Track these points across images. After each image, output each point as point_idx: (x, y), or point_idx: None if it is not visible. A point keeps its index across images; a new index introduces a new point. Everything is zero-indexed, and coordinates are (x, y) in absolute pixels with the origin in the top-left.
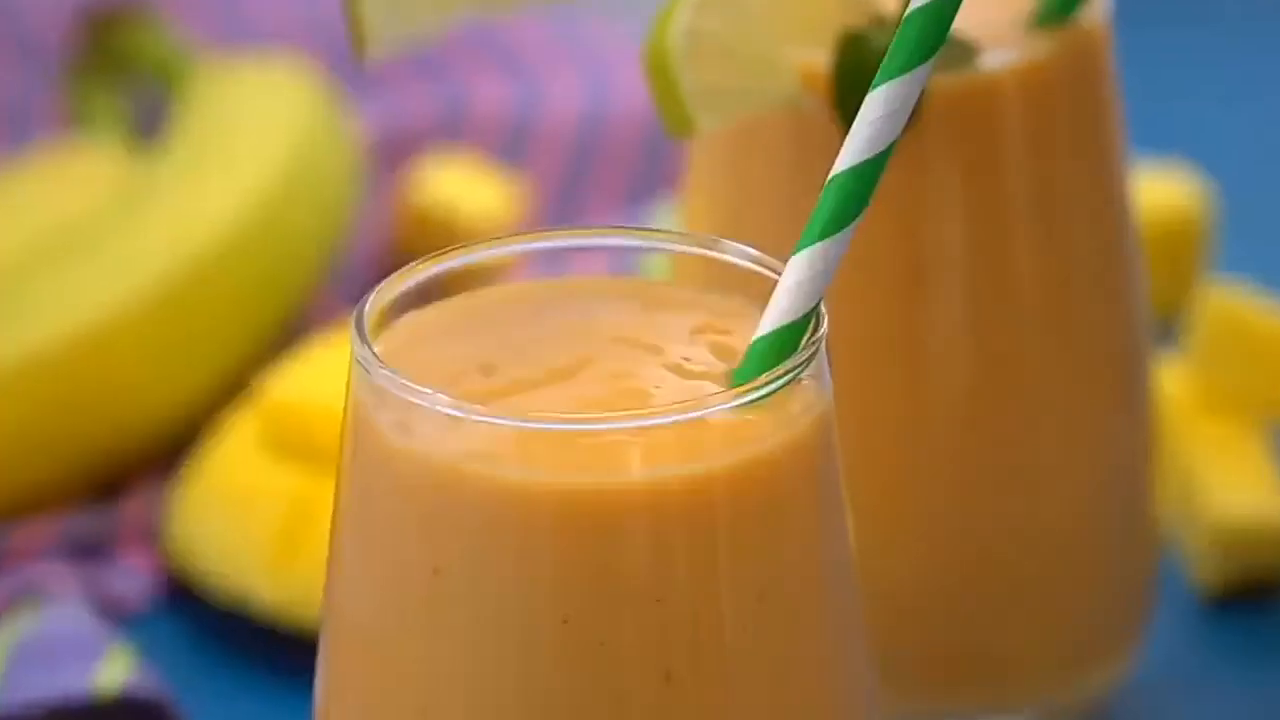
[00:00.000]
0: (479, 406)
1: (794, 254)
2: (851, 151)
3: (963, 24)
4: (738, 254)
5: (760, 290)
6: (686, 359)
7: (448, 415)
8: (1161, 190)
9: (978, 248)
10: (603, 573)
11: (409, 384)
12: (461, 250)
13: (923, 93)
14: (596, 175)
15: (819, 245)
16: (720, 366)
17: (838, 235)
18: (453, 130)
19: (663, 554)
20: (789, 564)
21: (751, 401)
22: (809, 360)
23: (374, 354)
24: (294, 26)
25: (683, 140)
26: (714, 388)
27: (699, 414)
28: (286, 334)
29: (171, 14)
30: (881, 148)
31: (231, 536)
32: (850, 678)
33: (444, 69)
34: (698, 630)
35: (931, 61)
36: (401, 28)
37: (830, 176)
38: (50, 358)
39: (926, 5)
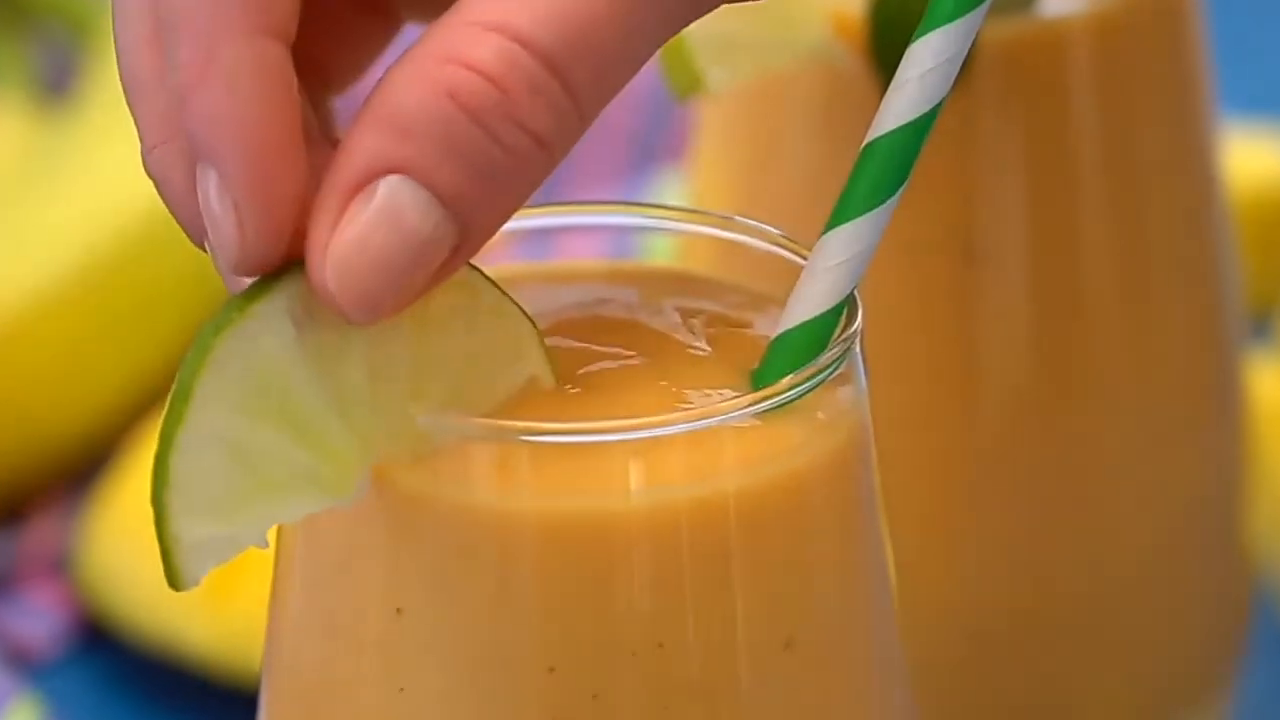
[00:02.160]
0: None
1: (824, 234)
2: (892, 113)
3: None
4: (756, 234)
5: (784, 276)
6: (696, 357)
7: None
8: (1255, 159)
9: (1039, 226)
10: (595, 613)
11: None
12: None
13: (975, 43)
14: (589, 142)
15: (853, 223)
16: (737, 367)
17: (875, 211)
18: None
19: (667, 591)
20: (819, 603)
21: (774, 408)
22: (841, 359)
23: None
24: None
25: (691, 101)
26: (729, 392)
27: (711, 423)
28: None
29: None
30: (927, 108)
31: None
32: None
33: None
34: (709, 682)
35: (986, 6)
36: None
37: (866, 142)
38: None
39: None
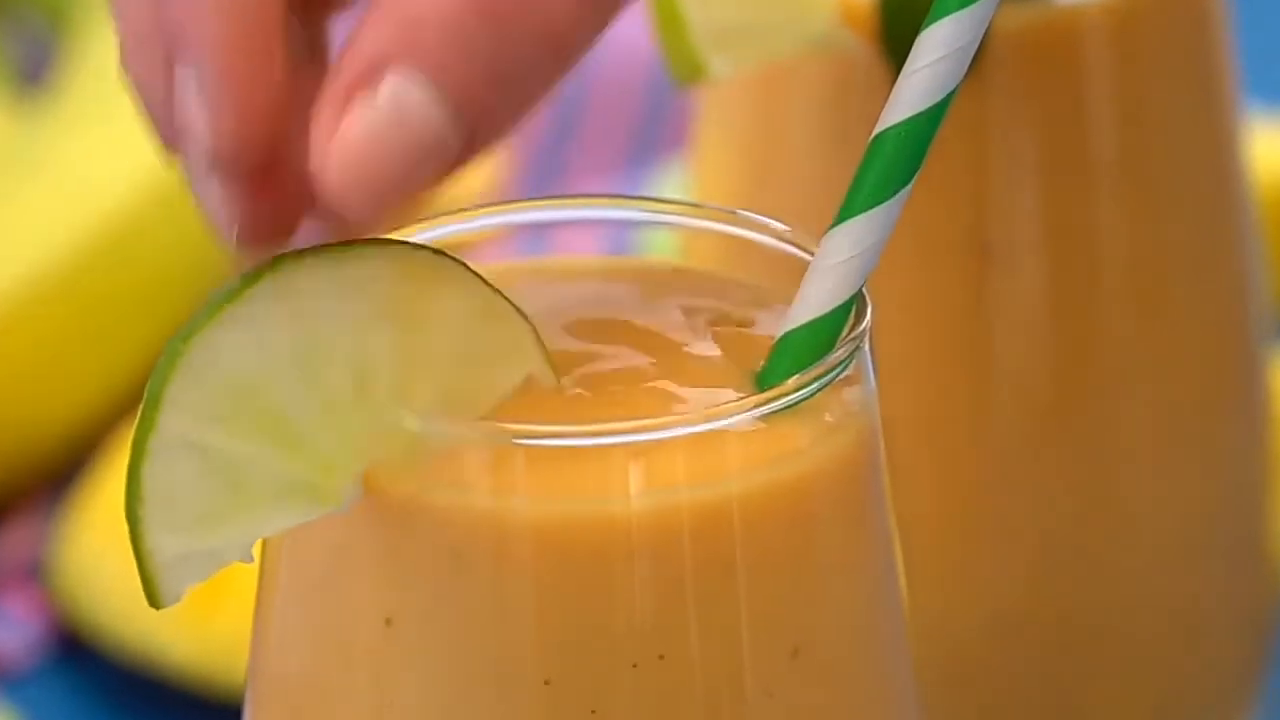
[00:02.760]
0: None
1: (831, 228)
2: (902, 102)
3: None
4: (761, 229)
5: (789, 273)
6: (699, 357)
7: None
8: None
9: (1054, 220)
10: (594, 623)
11: None
12: (425, 223)
13: (988, 30)
14: (587, 132)
15: (862, 217)
16: (741, 366)
17: (885, 205)
18: None
19: (669, 600)
20: (827, 611)
21: (779, 410)
22: (849, 359)
23: None
24: None
25: (693, 89)
26: (733, 393)
27: (715, 425)
28: None
29: None
30: (938, 97)
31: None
32: None
33: None
34: (712, 695)
35: None
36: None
37: (876, 133)
38: None
39: None
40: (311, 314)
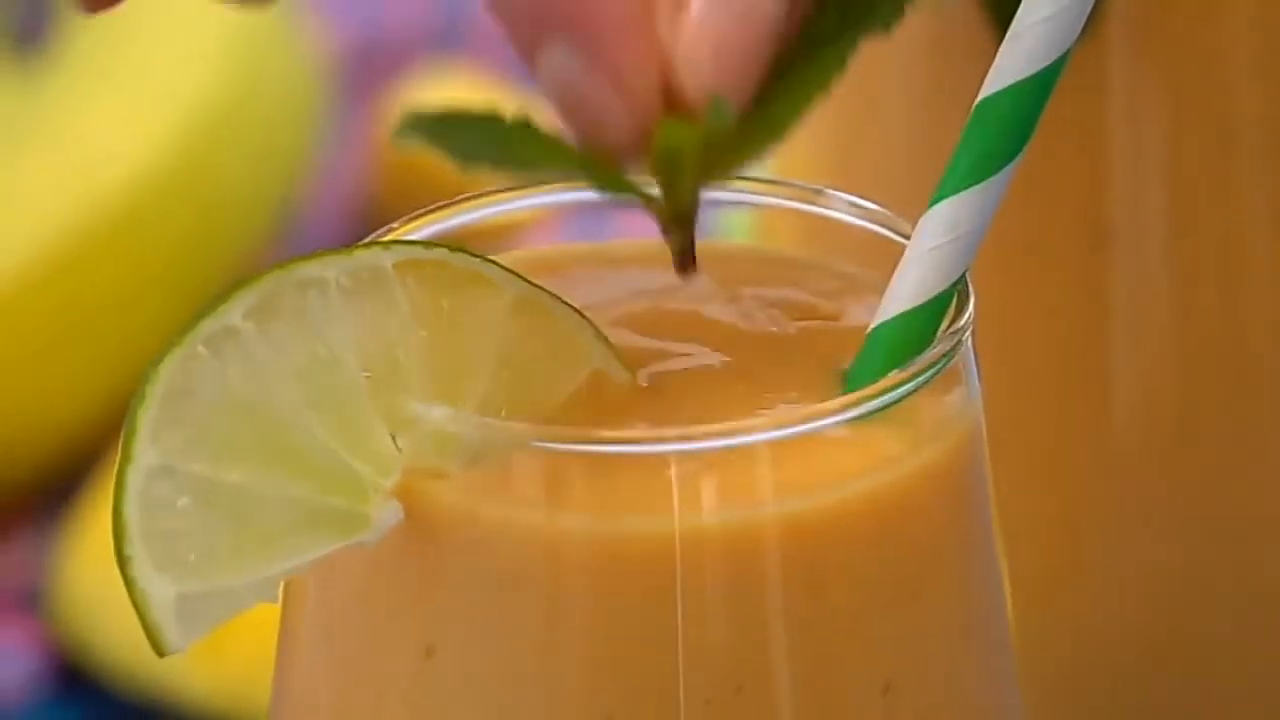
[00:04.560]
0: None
1: (929, 208)
2: (1008, 66)
3: None
4: (849, 208)
5: (881, 258)
6: (778, 354)
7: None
8: None
9: (1181, 201)
10: (661, 653)
11: None
12: (465, 204)
13: None
14: None
15: (963, 196)
16: (826, 365)
17: (989, 181)
18: (448, 38)
19: (746, 627)
20: (923, 641)
21: (870, 413)
22: (949, 356)
23: None
24: None
25: None
26: (818, 394)
27: (797, 430)
28: None
29: None
30: (1049, 60)
31: None
32: None
33: None
34: None
35: None
36: None
37: (979, 100)
38: None
39: None
40: (309, 329)
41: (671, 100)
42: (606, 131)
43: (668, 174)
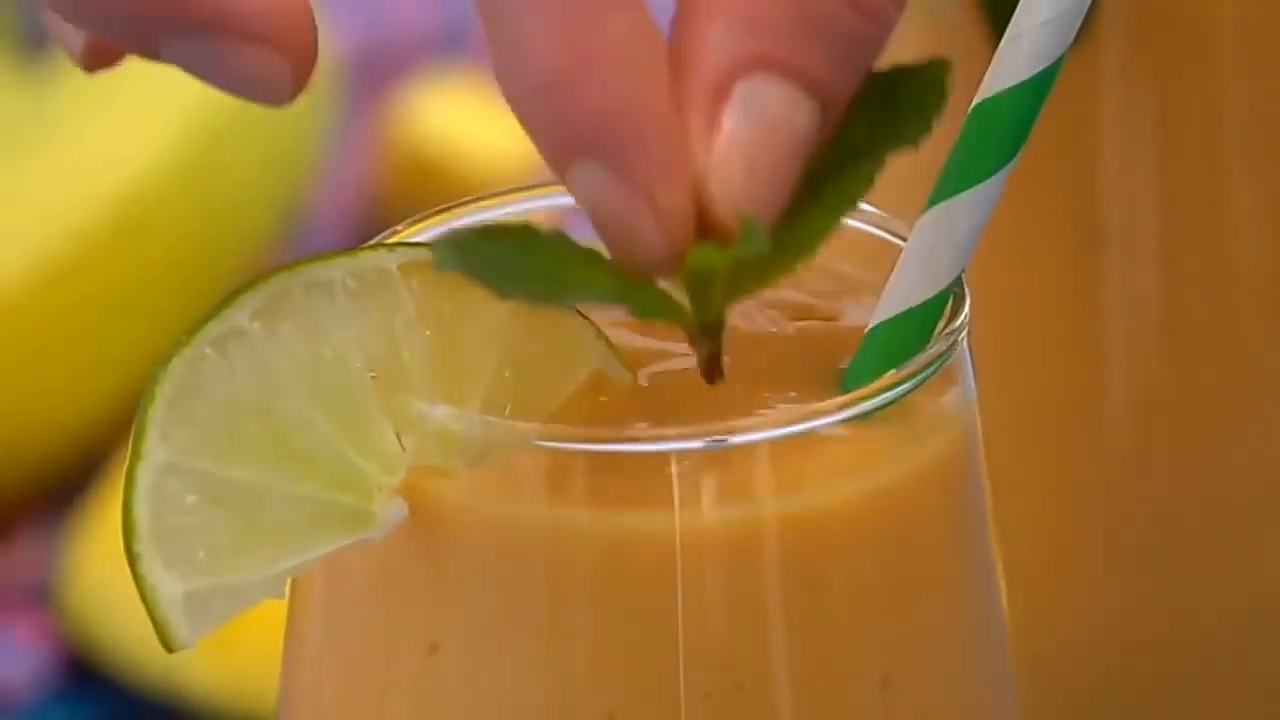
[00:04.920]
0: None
1: (926, 210)
2: (1004, 70)
3: None
4: None
5: (879, 259)
6: (778, 353)
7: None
8: None
9: (1175, 201)
10: (663, 649)
11: None
12: (468, 206)
13: None
14: None
15: (960, 198)
16: (824, 364)
17: (985, 184)
18: (452, 43)
19: (746, 623)
20: (920, 636)
21: (868, 412)
22: (945, 356)
23: None
24: None
25: None
26: (817, 393)
27: (796, 429)
28: None
29: None
30: (1045, 64)
31: None
32: None
33: None
34: None
35: None
36: None
37: (975, 103)
38: None
39: None
40: (315, 330)
41: (704, 215)
42: (639, 248)
43: (698, 291)
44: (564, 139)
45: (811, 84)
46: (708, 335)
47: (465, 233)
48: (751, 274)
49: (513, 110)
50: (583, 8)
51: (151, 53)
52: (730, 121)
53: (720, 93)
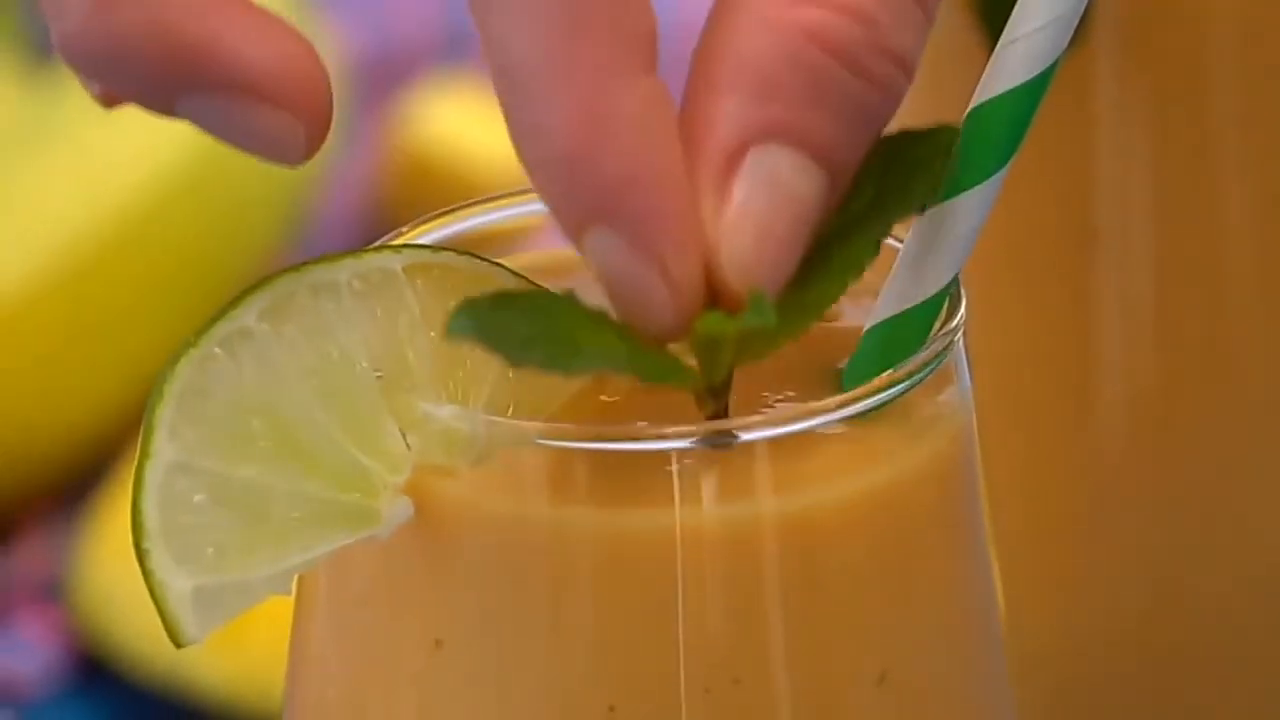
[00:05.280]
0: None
1: (923, 212)
2: (1000, 74)
3: None
4: None
5: (876, 261)
6: (777, 353)
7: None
8: None
9: (1167, 201)
10: (662, 645)
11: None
12: (473, 208)
13: None
14: None
15: (956, 200)
16: (823, 364)
17: (982, 186)
18: (456, 48)
19: (744, 619)
20: (917, 633)
21: (866, 411)
22: (942, 355)
23: None
24: None
25: None
26: (816, 392)
27: (795, 428)
28: None
29: None
30: (1040, 69)
31: None
32: None
33: None
34: None
35: None
36: None
37: (971, 108)
38: None
39: None
40: (322, 330)
41: (713, 281)
42: (650, 314)
43: (706, 356)
44: (579, 207)
45: (821, 153)
46: (715, 397)
47: (479, 300)
48: (759, 340)
49: (529, 176)
50: (599, 80)
51: (167, 109)
52: (741, 191)
53: (731, 162)
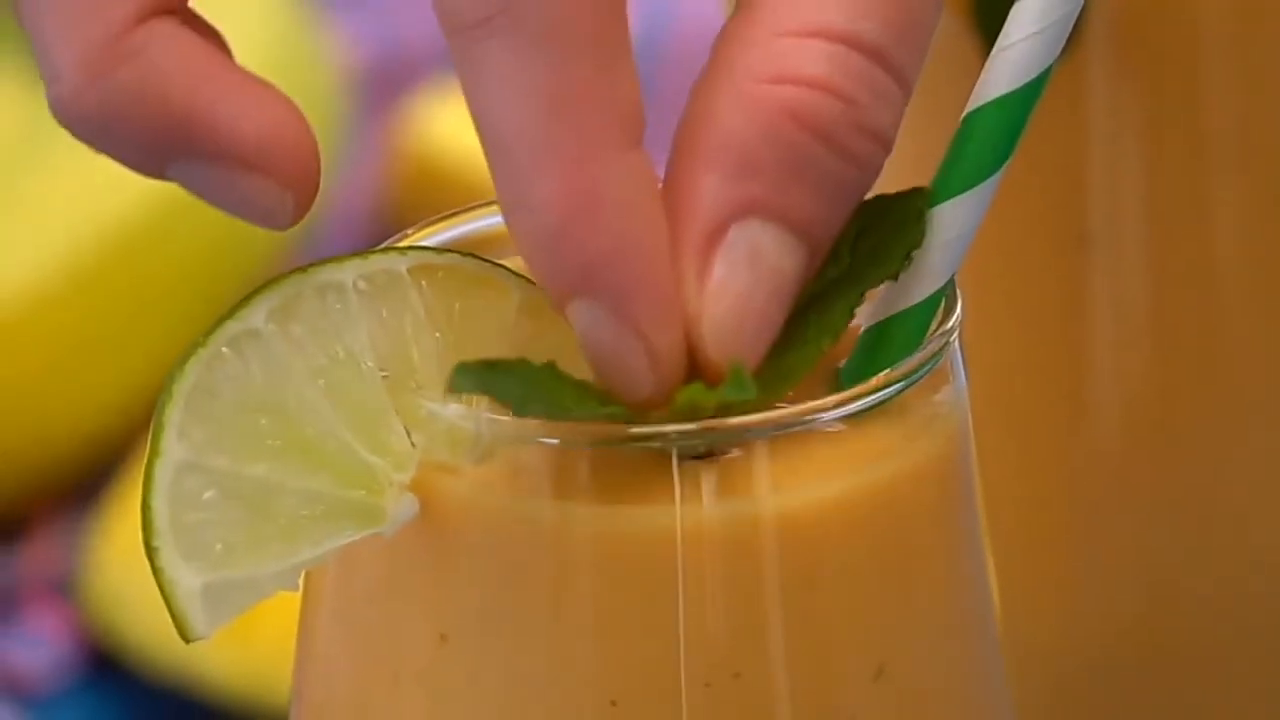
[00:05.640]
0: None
1: None
2: (994, 80)
3: None
4: None
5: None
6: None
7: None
8: None
9: (1160, 205)
10: (663, 640)
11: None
12: (476, 211)
13: (1087, 1)
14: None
15: (951, 203)
16: (822, 363)
17: (977, 189)
18: None
19: (744, 615)
20: (914, 628)
21: (863, 409)
22: (939, 355)
23: None
24: None
25: None
26: (815, 391)
27: (794, 426)
28: None
29: None
30: (1034, 75)
31: None
32: None
33: None
34: (790, 718)
35: None
36: None
37: (966, 112)
38: None
39: None
40: (328, 330)
41: (694, 352)
42: (631, 384)
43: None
44: (565, 279)
45: (801, 227)
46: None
47: (471, 365)
48: (736, 409)
49: (517, 246)
50: (585, 156)
51: (158, 174)
52: (722, 266)
53: (713, 237)
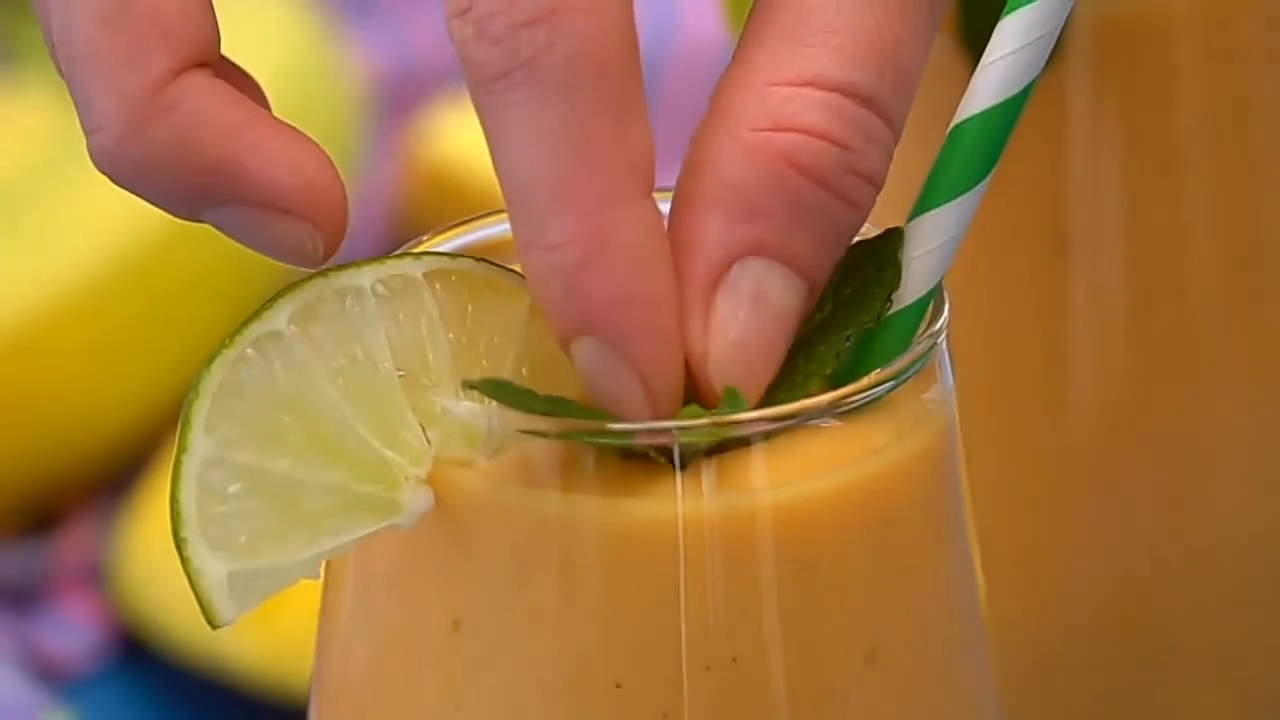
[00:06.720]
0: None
1: (908, 221)
2: (980, 93)
3: None
4: None
5: None
6: None
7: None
8: None
9: (1136, 213)
10: (666, 626)
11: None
12: (488, 219)
13: (1069, 19)
14: (660, 119)
15: (939, 211)
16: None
17: (963, 198)
18: None
19: (742, 602)
20: (904, 614)
21: (855, 407)
22: (927, 356)
23: None
24: None
25: None
26: (807, 390)
27: (790, 422)
28: None
29: None
30: (1017, 88)
31: None
32: None
33: None
34: (786, 699)
35: None
36: None
37: (953, 125)
38: None
39: None
40: (348, 332)
41: (699, 388)
42: (627, 418)
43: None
44: (573, 317)
45: (800, 265)
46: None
47: (482, 382)
48: (730, 442)
49: (528, 281)
50: (598, 205)
51: (194, 218)
52: (726, 303)
53: (717, 276)
